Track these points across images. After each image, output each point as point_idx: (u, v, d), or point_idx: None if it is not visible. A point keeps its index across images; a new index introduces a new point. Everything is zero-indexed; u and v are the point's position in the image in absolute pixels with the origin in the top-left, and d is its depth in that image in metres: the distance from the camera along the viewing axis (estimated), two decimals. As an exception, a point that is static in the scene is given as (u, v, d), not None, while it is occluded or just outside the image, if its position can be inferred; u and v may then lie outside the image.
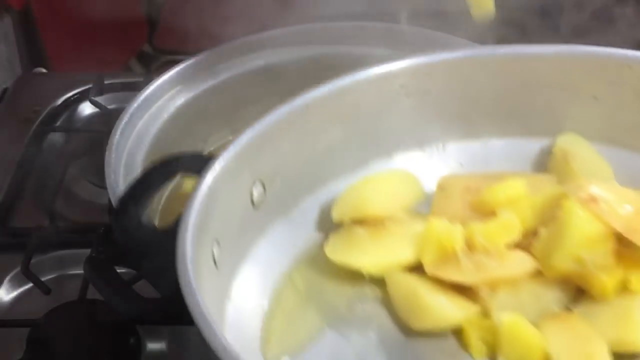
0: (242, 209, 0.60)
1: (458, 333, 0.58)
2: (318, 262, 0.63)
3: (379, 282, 0.61)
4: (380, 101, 0.66)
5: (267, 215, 0.63)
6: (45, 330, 0.79)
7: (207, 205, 0.55)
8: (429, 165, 0.67)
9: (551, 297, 0.58)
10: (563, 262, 0.57)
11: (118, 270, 0.69)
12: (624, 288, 0.57)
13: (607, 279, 0.56)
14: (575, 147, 0.69)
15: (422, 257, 0.60)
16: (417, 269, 0.60)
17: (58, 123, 1.13)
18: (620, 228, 0.56)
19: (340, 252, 0.61)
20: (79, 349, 0.77)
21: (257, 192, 0.62)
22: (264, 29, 0.92)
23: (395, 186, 0.65)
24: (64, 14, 1.26)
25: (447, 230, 0.59)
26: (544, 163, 0.70)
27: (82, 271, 0.74)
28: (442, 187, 0.66)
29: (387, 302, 0.60)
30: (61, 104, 1.15)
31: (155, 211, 0.80)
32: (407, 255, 0.60)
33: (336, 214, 0.63)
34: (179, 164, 0.61)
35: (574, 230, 0.56)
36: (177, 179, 0.63)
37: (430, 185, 0.68)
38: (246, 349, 0.56)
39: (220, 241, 0.57)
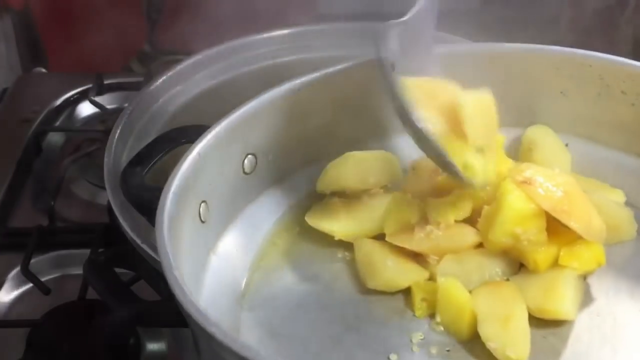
0: (234, 176, 0.67)
1: (407, 294, 0.66)
2: (300, 227, 0.71)
3: (349, 246, 0.69)
4: (369, 87, 0.71)
5: (259, 184, 0.70)
6: (45, 330, 0.79)
7: (194, 169, 0.62)
8: (409, 148, 0.71)
9: (494, 268, 0.65)
10: (500, 237, 0.64)
11: (117, 271, 0.69)
12: (554, 263, 0.64)
13: (538, 254, 0.64)
14: (541, 137, 0.76)
15: (384, 227, 0.68)
16: (382, 237, 0.68)
17: (57, 123, 1.13)
18: (548, 208, 0.63)
19: (318, 219, 0.70)
20: (79, 349, 0.77)
21: (249, 162, 0.69)
22: (263, 30, 0.92)
23: (374, 165, 0.72)
24: (64, 14, 1.26)
25: (407, 204, 0.68)
26: (515, 151, 0.76)
27: (81, 271, 0.74)
28: (415, 167, 0.72)
29: (352, 264, 0.68)
30: (61, 104, 1.15)
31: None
32: (372, 225, 0.69)
33: (319, 186, 0.71)
34: (183, 134, 0.69)
35: (509, 208, 0.63)
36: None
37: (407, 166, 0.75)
38: (224, 296, 0.64)
39: (209, 202, 0.64)
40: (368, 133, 0.76)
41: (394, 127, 0.75)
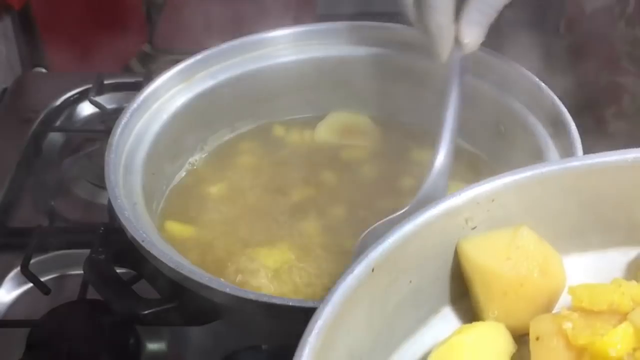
0: None
1: None
2: None
3: None
4: (444, 242, 0.59)
5: None
6: (45, 330, 0.79)
7: None
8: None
9: None
10: None
11: (118, 271, 0.69)
12: None
13: None
14: None
15: None
16: None
17: (57, 123, 1.13)
18: None
19: None
20: (79, 349, 0.77)
21: None
22: (263, 30, 0.92)
23: (487, 344, 0.56)
24: (64, 14, 1.26)
25: None
26: (632, 275, 0.62)
27: (82, 271, 0.74)
28: (537, 335, 0.56)
29: None
30: (61, 104, 1.15)
31: (154, 211, 0.80)
32: None
33: None
34: None
35: None
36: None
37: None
38: None
39: None
40: (452, 295, 0.61)
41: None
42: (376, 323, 0.56)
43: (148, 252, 0.65)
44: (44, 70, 1.29)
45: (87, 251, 0.81)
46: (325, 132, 0.91)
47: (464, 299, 0.60)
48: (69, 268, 0.89)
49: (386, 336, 0.57)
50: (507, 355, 0.56)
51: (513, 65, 0.83)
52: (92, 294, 0.79)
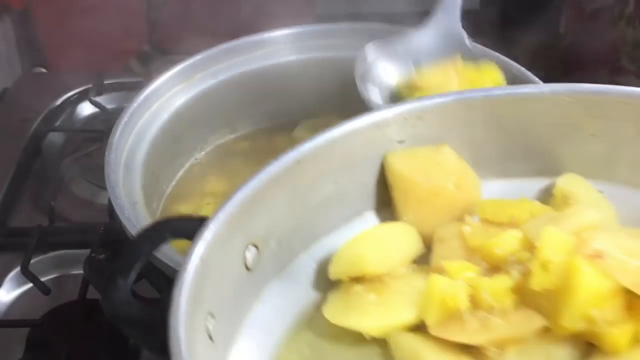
0: (236, 275, 0.57)
1: None
2: (317, 325, 0.59)
3: (382, 342, 0.57)
4: (372, 151, 0.64)
5: (262, 278, 0.59)
6: (45, 330, 0.79)
7: (199, 277, 0.51)
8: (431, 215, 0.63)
9: (562, 354, 0.55)
10: (573, 322, 0.54)
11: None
12: (636, 340, 0.54)
13: (618, 333, 0.53)
14: (575, 188, 0.66)
15: (425, 317, 0.56)
16: (420, 328, 0.56)
17: (58, 123, 1.13)
18: (630, 284, 0.53)
19: (340, 314, 0.58)
20: (79, 349, 0.77)
21: (250, 255, 0.58)
22: (263, 30, 0.92)
23: (394, 240, 0.62)
24: (64, 14, 1.26)
25: (450, 289, 0.55)
26: (543, 201, 0.66)
27: (82, 271, 0.74)
28: (440, 237, 0.62)
29: None
30: (61, 104, 1.15)
31: (154, 211, 0.80)
32: (409, 315, 0.57)
33: (333, 273, 0.60)
34: (168, 228, 0.58)
35: (581, 289, 0.53)
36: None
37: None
38: None
39: (215, 313, 0.53)
40: (377, 201, 0.66)
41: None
42: (298, 212, 0.61)
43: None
44: (44, 70, 1.29)
45: (87, 251, 0.81)
46: (306, 133, 0.91)
47: (388, 207, 0.65)
48: (69, 268, 0.89)
49: (308, 227, 0.62)
50: (412, 252, 0.61)
51: (513, 65, 0.83)
52: (92, 294, 0.79)
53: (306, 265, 0.62)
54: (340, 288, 0.59)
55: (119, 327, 0.54)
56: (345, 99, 0.92)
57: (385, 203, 0.65)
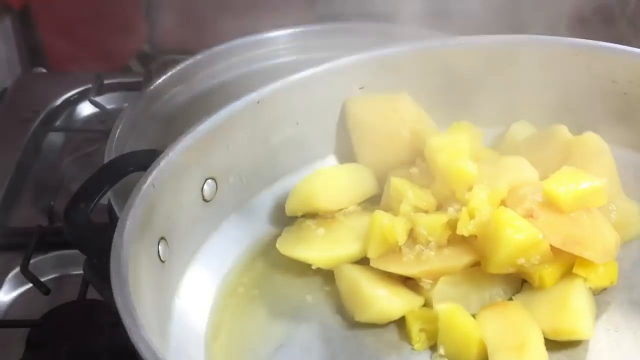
0: (193, 206, 0.60)
1: (400, 324, 0.59)
2: (270, 256, 0.64)
3: (329, 274, 0.62)
4: (333, 95, 0.67)
5: (222, 211, 0.63)
6: (45, 330, 0.79)
7: (149, 201, 0.54)
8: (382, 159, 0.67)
9: (494, 288, 0.59)
10: (500, 268, 0.58)
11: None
12: (563, 276, 0.58)
13: (545, 270, 0.58)
14: (525, 132, 0.70)
15: (367, 251, 0.61)
16: (364, 261, 0.61)
17: (57, 123, 1.13)
18: (558, 243, 0.57)
19: (290, 246, 0.63)
20: (79, 349, 0.77)
21: (209, 188, 0.62)
22: (264, 30, 0.92)
23: (348, 180, 0.66)
24: (64, 14, 1.26)
25: (390, 224, 0.60)
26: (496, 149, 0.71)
27: (81, 271, 0.74)
28: (391, 178, 0.66)
29: (335, 295, 0.61)
30: (61, 104, 1.15)
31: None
32: (354, 248, 0.62)
33: (289, 208, 0.65)
34: (131, 161, 0.61)
35: (508, 241, 0.56)
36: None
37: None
38: (193, 345, 0.57)
39: (168, 238, 0.56)
40: (338, 145, 0.70)
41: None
42: (259, 150, 0.64)
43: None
44: (43, 70, 1.29)
45: (87, 251, 0.81)
46: None
47: (350, 151, 0.69)
48: (69, 268, 0.89)
49: (269, 166, 0.66)
50: (365, 191, 0.66)
51: None
52: (92, 294, 0.79)
53: (266, 202, 0.67)
54: (294, 223, 0.64)
55: (76, 247, 0.58)
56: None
57: (347, 148, 0.69)
